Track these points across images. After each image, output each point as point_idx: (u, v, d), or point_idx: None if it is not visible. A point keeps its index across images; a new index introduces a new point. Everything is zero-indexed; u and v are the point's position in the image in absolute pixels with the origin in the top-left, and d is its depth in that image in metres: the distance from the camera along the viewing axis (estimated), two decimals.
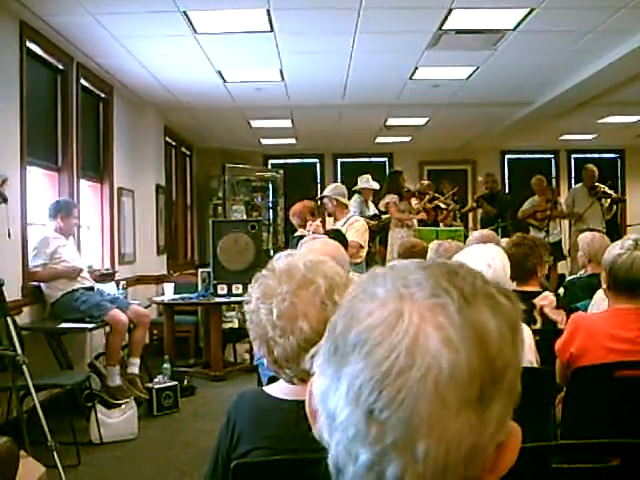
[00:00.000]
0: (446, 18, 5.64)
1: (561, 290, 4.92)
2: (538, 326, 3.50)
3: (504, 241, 4.64)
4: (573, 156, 13.58)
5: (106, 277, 7.01)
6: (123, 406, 5.31)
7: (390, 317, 0.69)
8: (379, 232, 8.83)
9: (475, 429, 0.67)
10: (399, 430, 0.66)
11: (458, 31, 6.02)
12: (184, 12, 5.40)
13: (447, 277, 0.72)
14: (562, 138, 12.23)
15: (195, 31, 5.87)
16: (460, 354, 0.67)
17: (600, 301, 3.50)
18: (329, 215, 7.62)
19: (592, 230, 5.54)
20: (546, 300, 3.65)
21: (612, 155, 13.61)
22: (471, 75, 7.61)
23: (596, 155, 13.08)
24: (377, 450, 0.67)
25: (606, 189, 9.96)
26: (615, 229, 9.74)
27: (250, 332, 1.70)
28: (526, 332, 2.82)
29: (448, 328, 0.68)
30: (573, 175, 13.40)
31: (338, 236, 5.17)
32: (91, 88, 7.22)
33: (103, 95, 7.58)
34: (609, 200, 9.93)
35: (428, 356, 0.66)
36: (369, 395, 0.67)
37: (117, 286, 6.82)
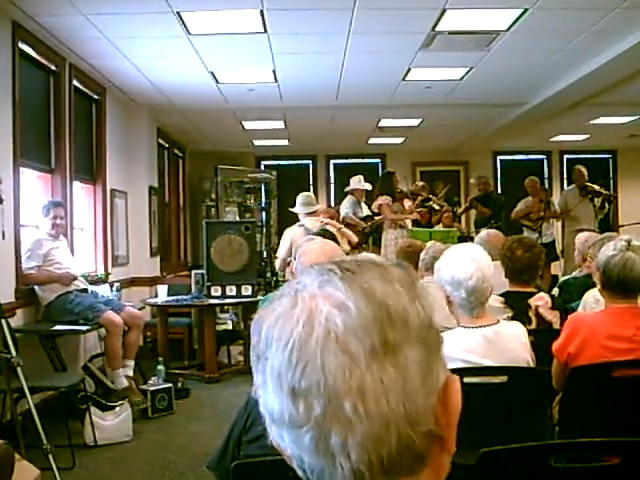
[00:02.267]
0: (439, 19, 5.65)
1: (555, 290, 4.94)
2: (533, 326, 3.50)
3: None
4: (565, 157, 13.59)
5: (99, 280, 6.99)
6: (117, 408, 5.28)
7: (287, 307, 0.74)
8: (372, 233, 8.80)
9: (397, 379, 0.70)
10: (322, 396, 0.69)
11: (451, 32, 6.02)
12: (177, 13, 5.39)
13: (331, 263, 0.77)
14: (554, 139, 12.24)
15: (188, 32, 5.85)
16: (350, 308, 0.71)
17: (589, 304, 3.53)
18: None
19: (585, 230, 5.57)
20: (541, 300, 3.65)
21: (604, 155, 13.64)
22: (464, 76, 7.62)
23: (588, 155, 13.10)
24: (313, 425, 0.69)
25: (596, 188, 9.98)
26: (608, 229, 9.75)
27: None
28: (521, 331, 2.82)
29: (336, 293, 0.72)
30: (566, 176, 13.41)
31: (328, 235, 5.20)
32: (84, 90, 7.19)
33: (96, 97, 7.56)
34: (600, 198, 9.95)
35: (323, 320, 0.70)
36: (286, 374, 0.70)
37: (111, 288, 6.80)
